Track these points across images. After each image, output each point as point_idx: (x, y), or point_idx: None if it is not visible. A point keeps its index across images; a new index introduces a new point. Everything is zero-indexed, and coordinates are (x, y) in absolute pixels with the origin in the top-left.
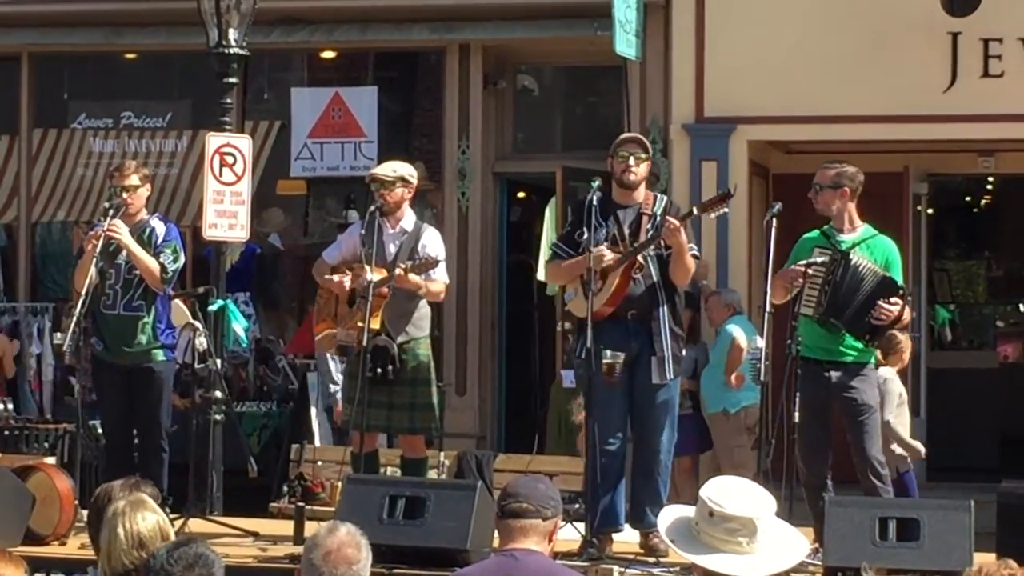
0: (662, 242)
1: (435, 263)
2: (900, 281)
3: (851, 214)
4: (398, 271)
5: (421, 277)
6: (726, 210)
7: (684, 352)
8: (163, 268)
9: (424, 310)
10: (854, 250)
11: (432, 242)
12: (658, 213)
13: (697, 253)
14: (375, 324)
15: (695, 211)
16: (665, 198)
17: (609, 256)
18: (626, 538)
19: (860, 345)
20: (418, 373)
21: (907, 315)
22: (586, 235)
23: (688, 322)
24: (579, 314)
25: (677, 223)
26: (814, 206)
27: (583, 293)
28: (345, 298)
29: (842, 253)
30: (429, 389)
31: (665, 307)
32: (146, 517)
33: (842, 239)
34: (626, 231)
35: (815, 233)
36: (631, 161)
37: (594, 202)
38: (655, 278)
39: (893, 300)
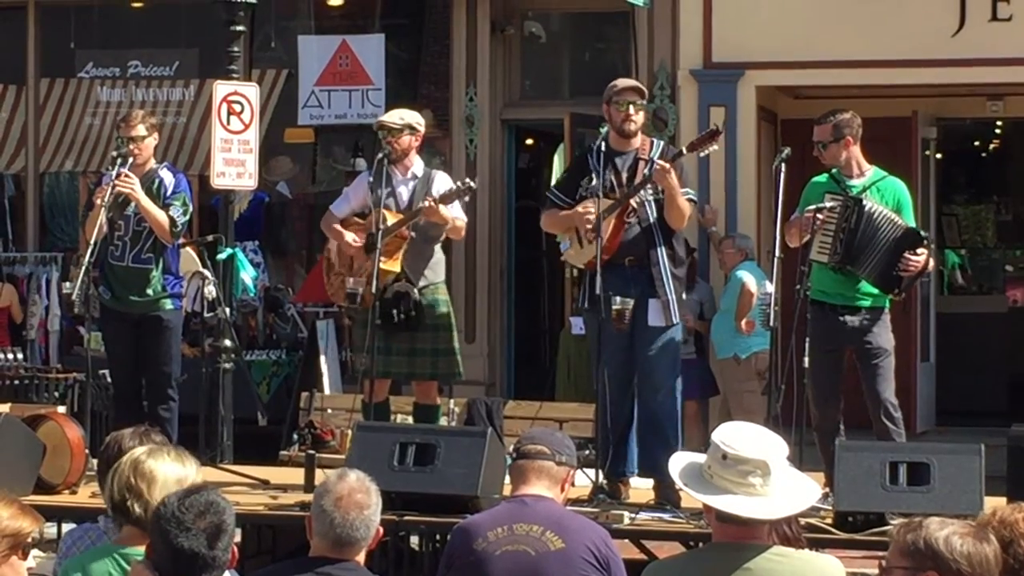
0: (657, 185)
1: (468, 190)
2: (912, 221)
3: (858, 159)
4: (427, 203)
5: (450, 208)
6: (715, 147)
7: (686, 296)
8: (172, 221)
9: (439, 255)
10: (866, 194)
11: (444, 184)
12: (654, 157)
13: (693, 196)
14: (395, 267)
15: (684, 151)
16: (661, 142)
17: (592, 215)
18: (638, 485)
19: (875, 290)
20: (439, 319)
21: (932, 264)
22: (594, 182)
23: (686, 267)
24: (575, 263)
25: (666, 164)
26: (822, 162)
27: (578, 241)
28: (359, 251)
29: (854, 199)
30: (450, 334)
31: (662, 249)
32: (170, 458)
33: (852, 184)
34: (624, 177)
35: (824, 177)
36: (631, 109)
37: (602, 149)
38: (652, 220)
39: (919, 251)
